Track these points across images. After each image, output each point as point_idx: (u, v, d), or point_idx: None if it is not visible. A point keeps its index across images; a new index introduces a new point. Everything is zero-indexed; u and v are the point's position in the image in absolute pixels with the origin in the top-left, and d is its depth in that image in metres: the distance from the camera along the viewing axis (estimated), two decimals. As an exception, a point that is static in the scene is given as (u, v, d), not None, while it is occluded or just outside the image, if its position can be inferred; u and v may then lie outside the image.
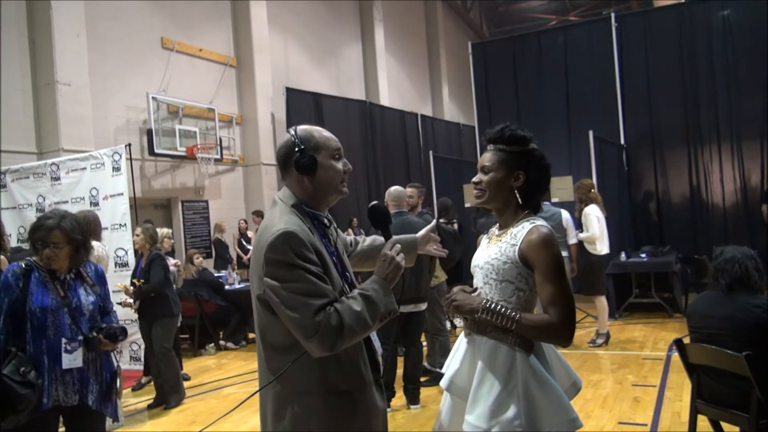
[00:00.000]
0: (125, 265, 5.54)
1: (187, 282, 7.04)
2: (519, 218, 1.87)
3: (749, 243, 4.45)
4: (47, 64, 7.51)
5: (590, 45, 9.39)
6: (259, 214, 9.79)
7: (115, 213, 5.62)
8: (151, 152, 8.93)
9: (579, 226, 6.18)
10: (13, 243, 5.40)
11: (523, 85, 9.96)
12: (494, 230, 1.97)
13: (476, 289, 1.89)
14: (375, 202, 1.87)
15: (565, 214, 6.11)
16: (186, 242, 9.67)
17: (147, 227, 5.21)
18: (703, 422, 2.92)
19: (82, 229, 2.75)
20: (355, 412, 1.66)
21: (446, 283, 5.37)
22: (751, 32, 8.15)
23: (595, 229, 5.96)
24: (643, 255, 7.49)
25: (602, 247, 6.06)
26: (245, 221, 10.30)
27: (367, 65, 15.26)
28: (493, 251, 1.86)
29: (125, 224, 5.57)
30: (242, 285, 7.67)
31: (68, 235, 2.65)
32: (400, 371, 4.69)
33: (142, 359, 5.50)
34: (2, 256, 3.31)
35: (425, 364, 5.17)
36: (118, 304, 4.73)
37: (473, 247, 2.35)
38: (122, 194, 5.60)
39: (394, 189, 4.67)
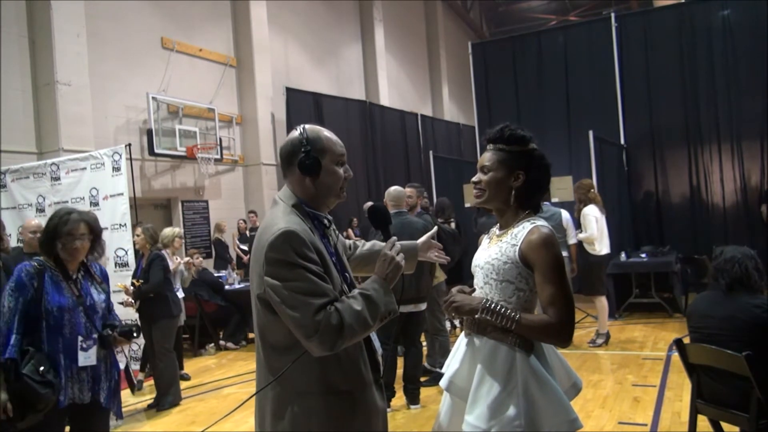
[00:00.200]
0: (125, 265, 5.54)
1: (187, 282, 7.04)
2: (520, 218, 1.87)
3: (749, 243, 4.44)
4: (47, 64, 7.50)
5: (590, 45, 9.38)
6: (254, 213, 10.07)
7: (115, 213, 5.63)
8: (151, 152, 8.93)
9: (579, 226, 6.18)
10: (13, 243, 5.38)
11: (523, 85, 9.95)
12: (495, 230, 1.97)
13: (474, 289, 1.90)
14: (374, 203, 1.87)
15: (565, 214, 6.11)
16: (186, 242, 9.66)
17: (147, 227, 5.21)
18: (703, 422, 2.92)
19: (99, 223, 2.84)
20: (355, 412, 1.66)
21: (446, 283, 5.37)
22: (751, 32, 8.15)
23: (593, 229, 5.96)
24: (643, 255, 7.49)
25: (601, 248, 6.06)
26: (244, 221, 10.31)
27: (367, 65, 15.25)
28: (494, 251, 1.86)
29: (125, 224, 5.58)
30: (242, 285, 7.67)
31: (92, 228, 2.73)
32: (400, 371, 4.69)
33: (139, 359, 5.50)
34: None
35: (425, 364, 5.18)
36: (119, 303, 4.74)
37: (474, 247, 2.35)
38: (122, 194, 5.60)
39: (393, 189, 4.68)
